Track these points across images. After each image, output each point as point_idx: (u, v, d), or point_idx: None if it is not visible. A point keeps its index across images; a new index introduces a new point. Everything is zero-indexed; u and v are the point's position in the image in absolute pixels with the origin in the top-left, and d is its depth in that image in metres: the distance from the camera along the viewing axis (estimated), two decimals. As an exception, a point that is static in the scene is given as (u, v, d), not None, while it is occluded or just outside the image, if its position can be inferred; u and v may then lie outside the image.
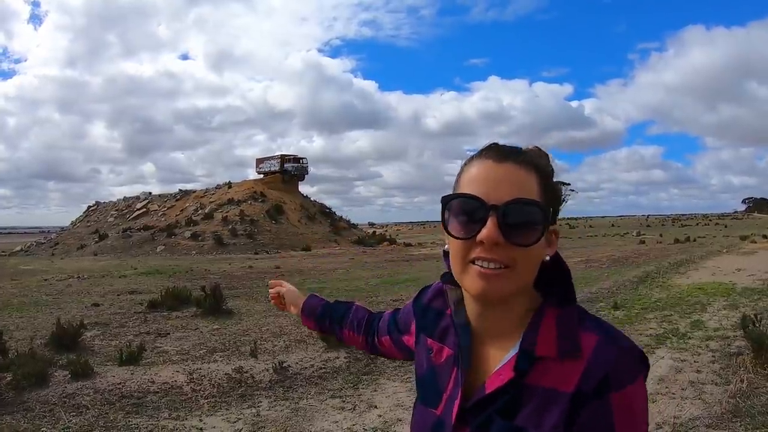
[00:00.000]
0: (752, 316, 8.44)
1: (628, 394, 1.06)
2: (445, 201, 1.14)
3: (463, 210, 1.11)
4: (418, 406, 1.31)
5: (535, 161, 1.15)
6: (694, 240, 43.85)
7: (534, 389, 1.08)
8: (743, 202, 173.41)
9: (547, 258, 1.16)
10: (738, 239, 42.23)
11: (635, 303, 13.27)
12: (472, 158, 1.18)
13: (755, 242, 38.51)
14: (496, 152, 1.14)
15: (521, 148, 1.18)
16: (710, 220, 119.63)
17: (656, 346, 8.95)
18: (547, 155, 1.22)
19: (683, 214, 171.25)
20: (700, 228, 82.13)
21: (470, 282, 1.11)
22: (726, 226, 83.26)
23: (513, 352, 1.13)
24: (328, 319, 1.92)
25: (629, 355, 1.10)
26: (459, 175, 1.19)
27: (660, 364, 8.02)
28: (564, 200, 1.23)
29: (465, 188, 1.13)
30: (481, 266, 1.09)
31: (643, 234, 62.48)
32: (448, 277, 1.27)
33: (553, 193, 1.17)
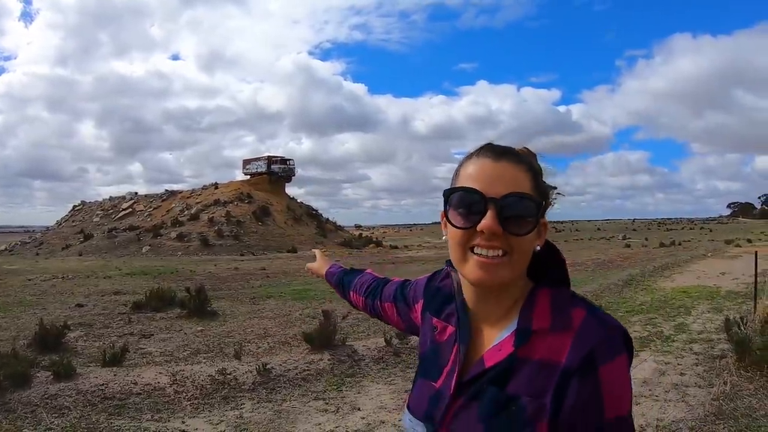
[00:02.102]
0: (736, 319, 8.51)
1: (614, 368, 1.13)
2: (447, 194, 1.24)
3: (464, 202, 1.20)
4: (418, 380, 1.41)
5: (528, 160, 1.25)
6: (679, 244, 44.14)
7: (526, 360, 1.17)
8: (728, 206, 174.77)
9: (538, 248, 1.25)
10: (723, 243, 42.62)
11: (620, 306, 13.35)
12: (470, 156, 1.27)
13: (739, 246, 38.87)
14: (493, 151, 1.24)
15: (514, 149, 1.27)
16: (695, 225, 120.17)
17: (640, 348, 8.99)
18: (535, 155, 1.31)
19: (669, 219, 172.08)
20: (685, 232, 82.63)
21: (470, 270, 1.21)
22: (711, 231, 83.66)
23: (509, 329, 1.22)
24: (341, 285, 2.10)
25: (615, 331, 1.18)
26: (457, 171, 1.28)
27: (644, 366, 8.06)
28: (552, 200, 1.33)
29: (464, 183, 1.22)
30: (480, 254, 1.19)
31: (629, 238, 62.91)
32: (452, 263, 1.32)
33: (542, 189, 1.26)
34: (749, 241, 47.14)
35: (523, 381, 1.15)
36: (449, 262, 1.38)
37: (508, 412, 1.14)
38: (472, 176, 1.21)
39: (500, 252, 1.18)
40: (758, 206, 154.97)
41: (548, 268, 1.28)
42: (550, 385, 1.12)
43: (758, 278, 10.88)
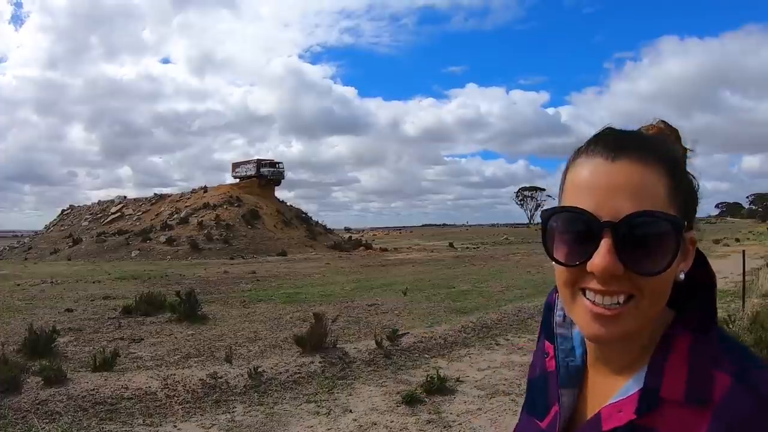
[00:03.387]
0: (725, 317, 8.60)
1: None
2: (546, 217, 0.89)
3: (569, 228, 0.86)
4: (524, 414, 1.14)
5: (660, 151, 0.87)
6: (668, 244, 44.30)
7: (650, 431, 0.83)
8: (716, 206, 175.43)
9: (682, 276, 0.88)
10: (711, 243, 42.78)
11: (608, 307, 13.43)
12: (579, 151, 0.92)
13: (728, 246, 39.14)
14: (608, 144, 0.87)
15: (641, 133, 0.94)
16: None
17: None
18: (675, 131, 0.96)
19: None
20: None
21: (580, 320, 0.88)
22: (699, 230, 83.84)
23: (635, 382, 0.87)
24: None
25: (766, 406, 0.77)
26: (564, 175, 0.93)
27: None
28: (698, 193, 0.93)
29: (571, 197, 0.88)
30: (594, 302, 0.85)
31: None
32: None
33: (687, 188, 0.90)
34: (737, 240, 47.57)
35: None
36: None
37: None
38: (581, 187, 0.87)
39: (622, 298, 0.83)
40: (746, 206, 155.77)
41: (691, 294, 0.91)
42: None
43: (746, 277, 10.99)
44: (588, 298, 0.85)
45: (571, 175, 0.90)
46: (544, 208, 0.90)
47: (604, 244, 0.81)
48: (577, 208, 0.84)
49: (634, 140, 0.88)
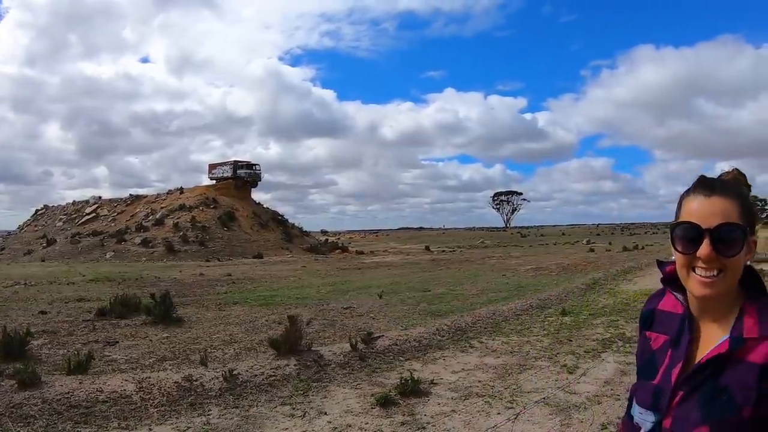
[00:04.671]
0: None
1: None
2: (673, 227, 1.53)
3: (685, 233, 1.49)
4: (638, 382, 1.67)
5: (734, 189, 1.51)
6: (642, 248, 44.84)
7: (738, 360, 1.41)
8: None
9: (749, 262, 1.51)
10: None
11: (583, 309, 13.65)
12: (688, 192, 1.55)
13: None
14: (705, 188, 1.50)
15: (724, 180, 1.57)
16: (658, 229, 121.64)
17: (602, 350, 9.30)
18: (744, 177, 1.63)
19: (632, 223, 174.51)
20: (648, 236, 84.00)
21: (694, 287, 1.50)
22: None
23: (724, 337, 1.46)
24: None
25: None
26: (679, 205, 1.57)
27: (606, 367, 8.33)
28: (757, 213, 1.66)
29: (685, 218, 1.51)
30: (701, 275, 1.47)
31: (593, 242, 63.65)
32: (666, 282, 1.67)
33: (750, 211, 1.51)
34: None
35: (734, 376, 1.40)
36: (663, 281, 1.68)
37: (720, 401, 1.40)
38: (692, 211, 1.49)
39: (716, 272, 1.45)
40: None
41: (752, 281, 1.52)
42: (753, 380, 1.36)
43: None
44: (697, 273, 1.47)
45: (685, 205, 1.52)
46: (672, 222, 1.55)
47: (706, 241, 1.44)
48: (692, 222, 1.47)
49: (720, 183, 1.51)
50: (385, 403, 6.78)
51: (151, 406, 6.67)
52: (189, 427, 6.13)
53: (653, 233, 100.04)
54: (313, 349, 8.81)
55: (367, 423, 6.31)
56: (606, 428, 5.96)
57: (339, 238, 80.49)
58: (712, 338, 1.49)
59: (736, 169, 1.62)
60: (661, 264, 1.70)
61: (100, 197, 71.60)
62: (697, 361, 1.50)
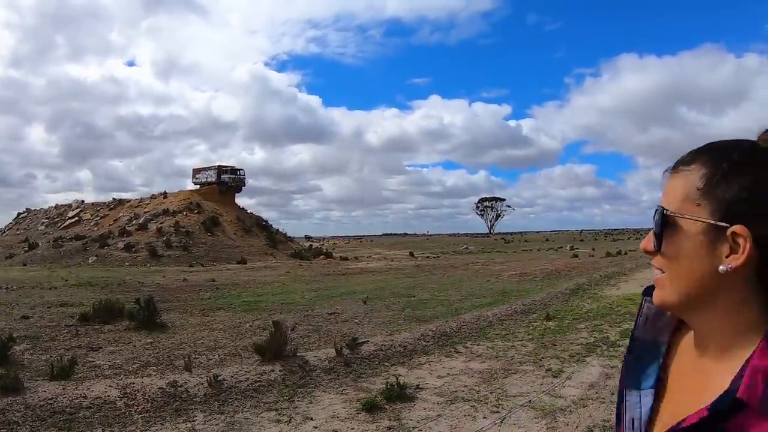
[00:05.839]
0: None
1: None
2: None
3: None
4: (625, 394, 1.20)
5: (708, 158, 1.01)
6: (625, 253, 45.05)
7: None
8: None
9: (721, 268, 0.94)
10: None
11: (567, 314, 13.74)
12: None
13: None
14: (675, 163, 1.07)
15: (712, 146, 1.05)
16: (641, 234, 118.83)
17: (587, 354, 9.36)
18: (734, 144, 1.03)
19: (615, 229, 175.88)
20: (631, 242, 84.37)
21: None
22: None
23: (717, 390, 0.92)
24: None
25: None
26: None
27: (591, 371, 8.38)
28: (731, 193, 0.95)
29: None
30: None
31: (577, 248, 64.02)
32: (649, 291, 1.14)
33: (725, 188, 0.96)
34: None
35: None
36: (646, 291, 1.18)
37: None
38: None
39: (659, 272, 1.04)
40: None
41: None
42: None
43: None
44: None
45: None
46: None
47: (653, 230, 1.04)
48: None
49: (694, 153, 1.06)
50: (371, 408, 6.79)
51: (135, 412, 6.64)
52: (174, 433, 6.10)
53: (636, 239, 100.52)
54: (298, 354, 8.81)
55: (353, 428, 6.31)
56: (592, 431, 6.00)
57: (323, 244, 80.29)
58: (700, 385, 0.99)
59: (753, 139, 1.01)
60: None
61: (83, 201, 71.00)
62: (678, 420, 0.96)
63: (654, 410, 1.10)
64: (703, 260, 0.96)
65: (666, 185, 1.05)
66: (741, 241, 0.92)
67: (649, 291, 1.14)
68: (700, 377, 1.01)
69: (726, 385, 0.89)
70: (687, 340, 1.11)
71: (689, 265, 0.98)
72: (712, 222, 0.95)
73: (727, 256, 0.93)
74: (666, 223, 1.01)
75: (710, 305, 0.98)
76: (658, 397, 1.10)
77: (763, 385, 0.85)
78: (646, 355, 1.16)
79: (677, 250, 0.99)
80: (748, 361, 0.90)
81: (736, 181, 0.95)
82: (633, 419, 1.12)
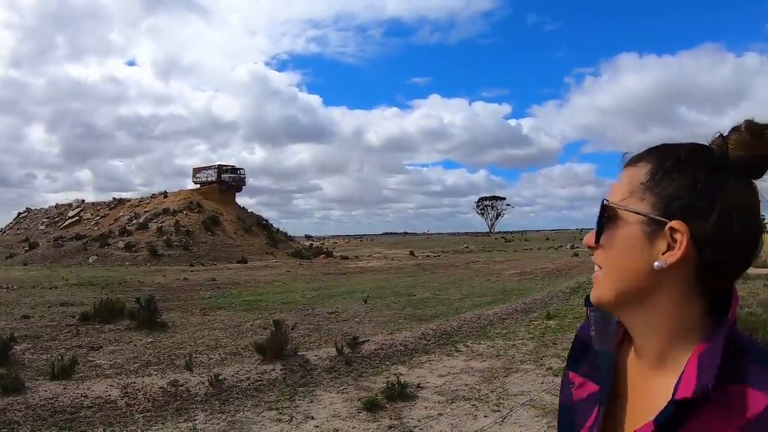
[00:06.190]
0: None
1: None
2: None
3: None
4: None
5: (653, 156, 1.00)
6: (624, 253, 45.08)
7: None
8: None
9: (656, 264, 0.93)
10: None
11: (567, 313, 13.71)
12: None
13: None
14: (633, 156, 1.04)
15: (652, 149, 1.03)
16: None
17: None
18: (681, 146, 1.01)
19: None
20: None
21: None
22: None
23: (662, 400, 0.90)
24: None
25: None
26: None
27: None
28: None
29: None
30: None
31: (577, 247, 63.94)
32: (589, 301, 1.07)
33: (666, 183, 0.96)
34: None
35: None
36: (587, 300, 1.08)
37: None
38: None
39: (598, 268, 1.01)
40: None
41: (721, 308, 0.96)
42: None
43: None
44: None
45: None
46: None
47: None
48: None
49: (639, 153, 1.04)
50: (372, 407, 6.79)
51: (136, 411, 6.63)
52: (175, 433, 6.10)
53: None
54: (299, 353, 8.80)
55: (354, 427, 6.30)
56: (592, 431, 5.99)
57: (323, 243, 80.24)
58: (653, 399, 0.94)
59: (747, 121, 0.97)
60: None
61: (83, 200, 70.99)
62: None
63: (605, 424, 1.05)
64: (640, 254, 0.94)
65: (617, 180, 1.03)
66: (679, 236, 0.91)
67: (589, 301, 1.06)
68: (645, 386, 0.99)
69: (669, 394, 0.88)
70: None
71: (625, 258, 0.96)
72: (651, 216, 0.93)
73: (663, 253, 0.92)
74: (606, 216, 0.98)
75: (647, 305, 0.96)
76: (609, 411, 1.05)
77: (697, 372, 0.87)
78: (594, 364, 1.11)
79: (614, 243, 0.97)
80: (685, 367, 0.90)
81: (679, 178, 0.94)
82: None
